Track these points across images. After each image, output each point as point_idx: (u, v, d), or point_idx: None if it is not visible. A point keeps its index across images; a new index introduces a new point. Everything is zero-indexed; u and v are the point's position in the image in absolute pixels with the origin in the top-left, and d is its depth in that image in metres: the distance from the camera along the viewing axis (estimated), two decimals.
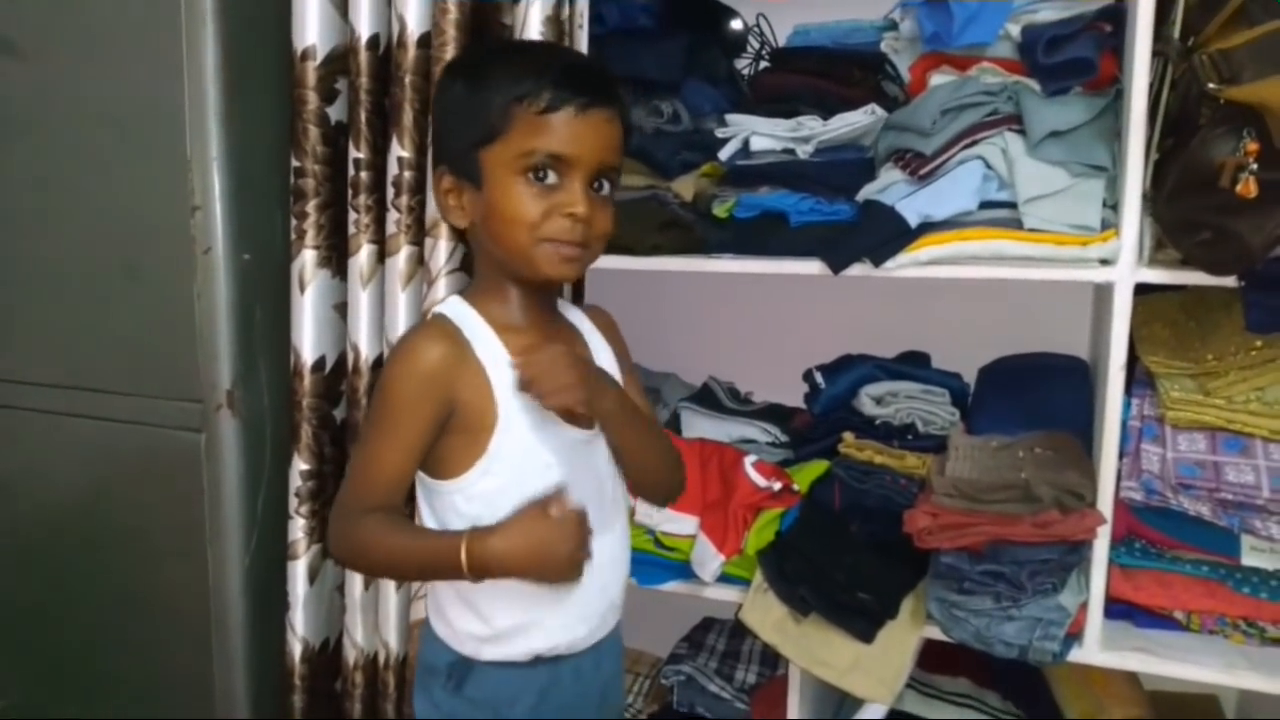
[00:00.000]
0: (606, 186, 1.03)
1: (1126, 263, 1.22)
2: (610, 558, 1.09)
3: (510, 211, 0.98)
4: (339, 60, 1.50)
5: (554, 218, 0.98)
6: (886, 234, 1.32)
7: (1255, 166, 1.09)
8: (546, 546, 0.93)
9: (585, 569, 0.96)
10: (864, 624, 1.33)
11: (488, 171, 0.99)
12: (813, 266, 1.38)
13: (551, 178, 0.98)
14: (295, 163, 1.52)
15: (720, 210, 1.49)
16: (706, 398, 1.77)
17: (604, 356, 1.13)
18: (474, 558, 0.93)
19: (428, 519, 1.06)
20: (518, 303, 1.05)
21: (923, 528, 1.29)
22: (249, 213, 1.56)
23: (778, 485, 1.50)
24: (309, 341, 1.55)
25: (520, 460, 1.01)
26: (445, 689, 1.08)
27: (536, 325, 1.06)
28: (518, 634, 1.05)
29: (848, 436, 1.53)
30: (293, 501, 1.59)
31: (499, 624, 1.05)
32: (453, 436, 1.00)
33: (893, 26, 1.50)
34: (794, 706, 1.45)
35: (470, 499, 1.02)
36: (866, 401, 1.56)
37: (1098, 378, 1.35)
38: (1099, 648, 1.29)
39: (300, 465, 1.58)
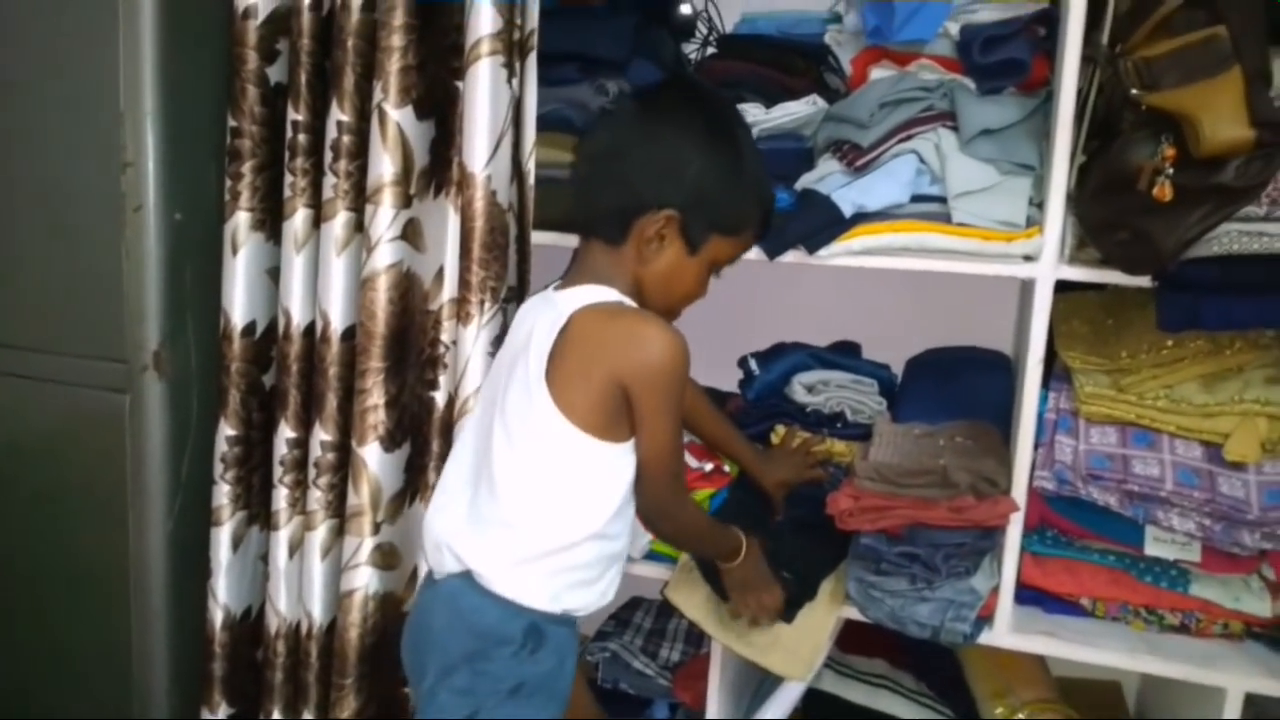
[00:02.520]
0: None
1: (1048, 260, 1.26)
2: None
3: (693, 289, 1.21)
4: (280, 20, 1.47)
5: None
6: (821, 223, 1.34)
7: (1171, 171, 1.13)
8: (761, 589, 1.30)
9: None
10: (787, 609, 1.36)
11: (705, 251, 1.17)
12: (750, 252, 1.39)
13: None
14: (232, 122, 1.50)
15: None
16: None
17: None
18: (750, 555, 1.29)
19: (575, 478, 1.15)
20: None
21: (844, 509, 1.32)
22: (182, 171, 1.53)
23: (709, 466, 1.52)
24: (240, 305, 1.53)
25: None
26: (517, 656, 1.14)
27: None
28: (603, 580, 1.20)
29: (779, 428, 1.56)
30: (218, 467, 1.57)
31: (599, 566, 1.19)
32: (621, 417, 1.14)
33: (837, 19, 1.53)
34: (714, 683, 1.47)
35: (617, 467, 1.16)
36: (798, 389, 1.59)
37: (1018, 370, 1.39)
38: (1009, 631, 1.33)
39: (226, 430, 1.56)
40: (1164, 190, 1.13)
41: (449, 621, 1.18)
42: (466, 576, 1.17)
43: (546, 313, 1.15)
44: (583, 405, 1.11)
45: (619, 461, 1.15)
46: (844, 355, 1.66)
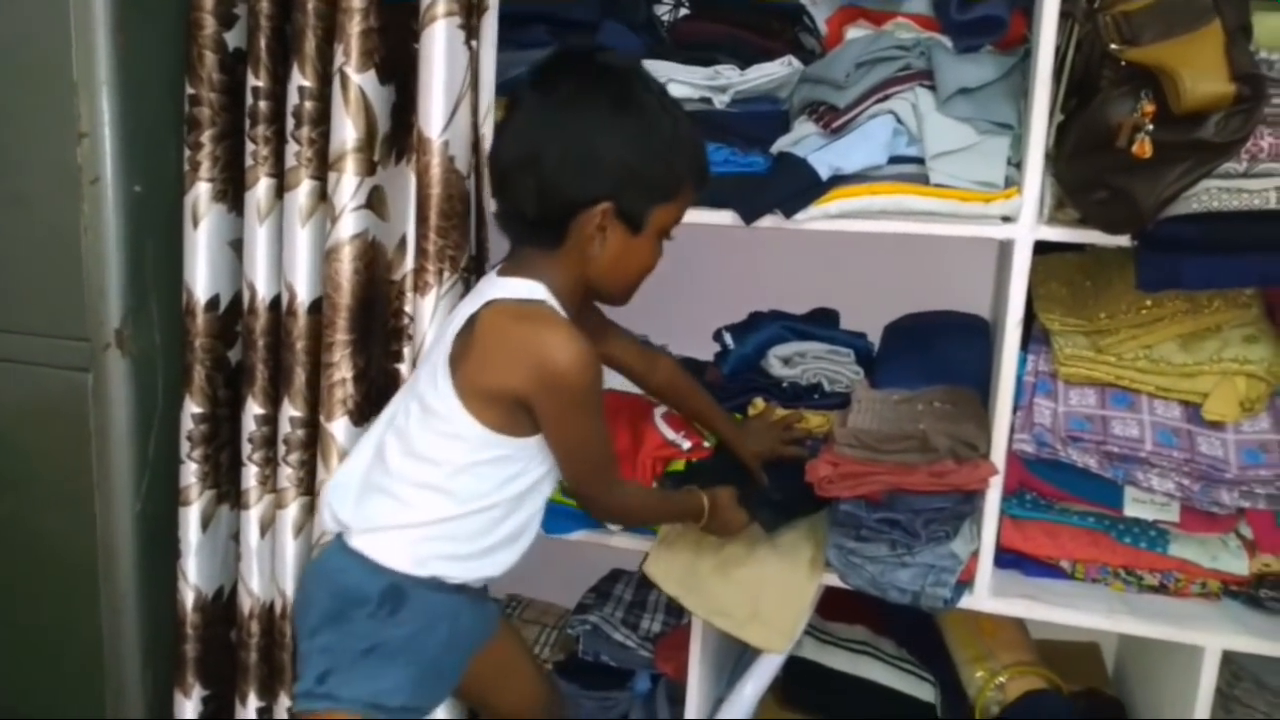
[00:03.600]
0: None
1: (1027, 220, 1.24)
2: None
3: (645, 264, 1.18)
4: None
5: None
6: (798, 186, 1.32)
7: (1151, 128, 1.11)
8: (735, 519, 1.35)
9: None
10: (770, 514, 1.39)
11: (649, 225, 1.13)
12: (725, 217, 1.37)
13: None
14: (190, 90, 1.45)
15: None
16: None
17: None
18: (714, 508, 1.32)
19: (467, 463, 1.13)
20: (574, 304, 1.17)
21: (824, 476, 1.31)
22: (140, 142, 1.48)
23: (687, 444, 1.50)
24: (202, 279, 1.49)
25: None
26: (374, 617, 1.12)
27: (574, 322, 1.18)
28: (483, 556, 1.17)
29: (757, 401, 1.54)
30: (185, 445, 1.54)
31: (480, 543, 1.17)
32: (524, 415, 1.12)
33: None
34: (695, 654, 1.46)
35: (515, 458, 1.14)
36: (774, 363, 1.58)
37: (996, 333, 1.38)
38: (989, 595, 1.33)
39: (193, 408, 1.53)
40: (1143, 147, 1.11)
41: (317, 582, 1.20)
42: (339, 538, 1.19)
43: (474, 298, 1.15)
44: (480, 400, 1.11)
45: (520, 453, 1.15)
46: (820, 324, 1.64)
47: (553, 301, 1.12)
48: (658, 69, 1.45)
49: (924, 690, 1.51)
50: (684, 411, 1.51)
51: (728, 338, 1.64)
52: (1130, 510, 1.29)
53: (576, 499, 1.25)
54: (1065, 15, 1.20)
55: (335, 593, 1.16)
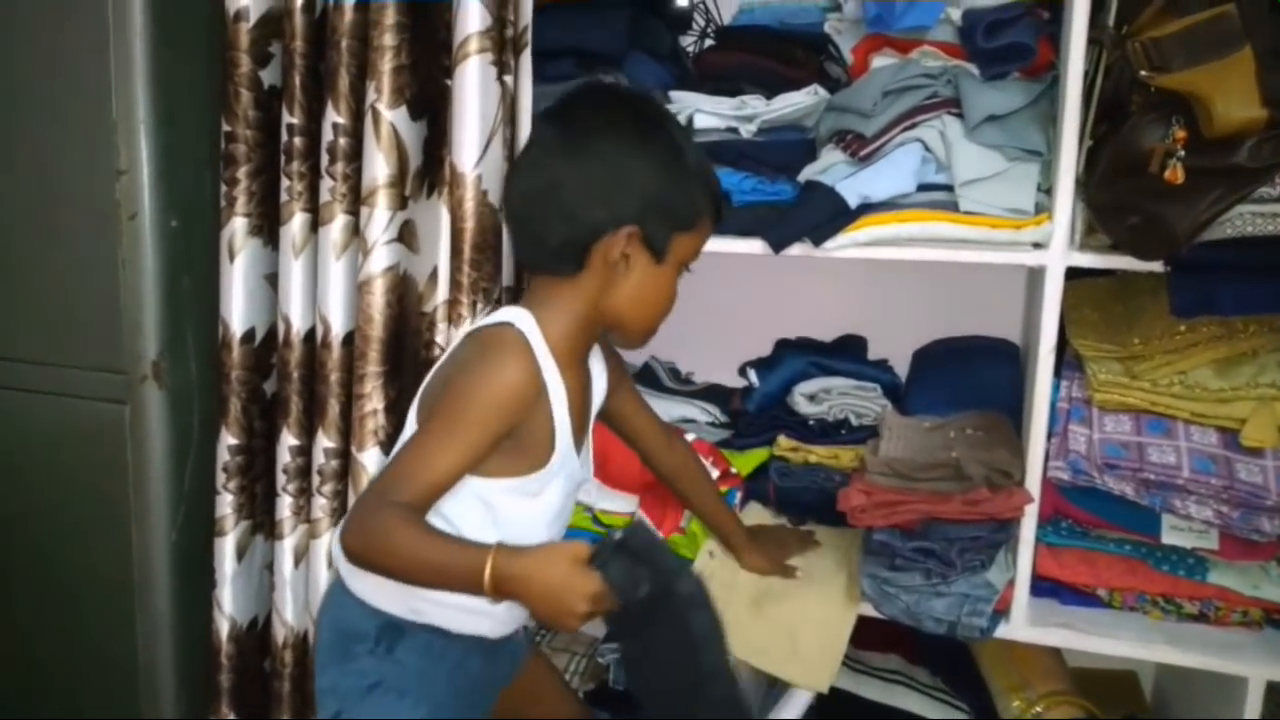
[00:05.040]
0: None
1: (1058, 247, 1.24)
2: None
3: (664, 297, 1.11)
4: (273, 22, 1.45)
5: None
6: (826, 214, 1.32)
7: (1183, 153, 1.11)
8: (563, 590, 0.93)
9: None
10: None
11: (671, 254, 1.09)
12: (754, 246, 1.38)
13: None
14: (226, 127, 1.48)
15: None
16: (648, 377, 1.77)
17: (600, 392, 1.20)
18: (498, 571, 0.93)
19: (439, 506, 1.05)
20: (581, 342, 1.11)
21: (856, 505, 1.31)
22: (177, 178, 1.51)
23: (716, 472, 1.49)
24: (238, 312, 1.51)
25: (545, 489, 1.09)
26: (373, 654, 1.10)
27: (578, 363, 1.13)
28: (471, 613, 1.11)
29: (781, 440, 1.53)
30: (220, 476, 1.55)
31: (462, 599, 1.05)
32: (502, 453, 1.04)
33: (836, 8, 1.51)
34: None
35: (490, 503, 1.07)
36: (800, 400, 1.57)
37: (1028, 359, 1.37)
38: (1025, 623, 1.32)
39: (229, 439, 1.55)
40: (1175, 173, 1.11)
41: (322, 619, 1.19)
42: (339, 576, 1.17)
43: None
44: None
45: (488, 492, 1.06)
46: (845, 357, 1.63)
47: (532, 329, 1.06)
48: (684, 100, 1.46)
49: None
50: (691, 505, 1.41)
51: (752, 375, 1.63)
52: (1168, 538, 1.27)
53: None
54: (1093, 42, 1.20)
55: (338, 630, 1.14)
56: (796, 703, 1.40)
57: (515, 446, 1.05)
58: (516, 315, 1.07)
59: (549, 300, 1.09)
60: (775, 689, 1.51)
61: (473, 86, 1.32)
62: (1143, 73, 1.12)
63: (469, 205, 1.34)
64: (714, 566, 1.40)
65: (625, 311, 1.10)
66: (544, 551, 0.96)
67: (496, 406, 1.00)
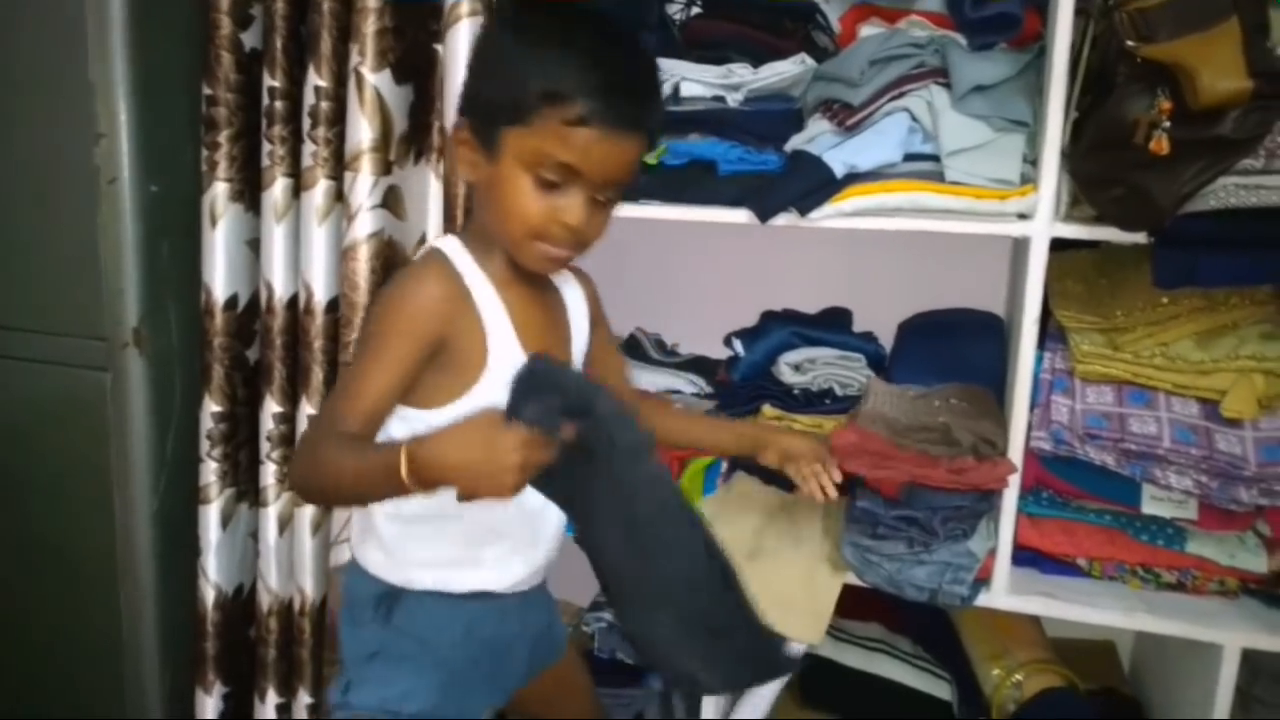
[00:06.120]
0: (613, 193, 1.02)
1: (1043, 218, 1.24)
2: (556, 510, 1.07)
3: (511, 205, 0.98)
4: None
5: (551, 222, 0.98)
6: (813, 184, 1.32)
7: (1168, 124, 1.11)
8: (488, 453, 0.84)
9: (520, 492, 0.87)
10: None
11: (504, 152, 0.97)
12: (740, 215, 1.37)
13: (557, 182, 0.97)
14: (207, 90, 1.46)
15: (649, 156, 1.47)
16: (634, 349, 1.77)
17: (579, 324, 1.16)
18: (414, 461, 0.86)
19: None
20: (508, 262, 1.05)
21: (848, 443, 1.28)
22: (157, 142, 1.49)
23: None
24: (220, 278, 1.50)
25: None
26: (374, 620, 1.09)
27: (524, 282, 1.07)
28: (460, 566, 1.08)
29: (766, 409, 1.53)
30: (204, 444, 1.55)
31: (443, 554, 1.07)
32: (437, 373, 1.00)
33: None
34: None
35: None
36: (785, 369, 1.57)
37: (1012, 331, 1.38)
38: (1006, 592, 1.33)
39: (211, 407, 1.54)
40: (1160, 144, 1.11)
41: (342, 589, 1.17)
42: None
43: None
44: None
45: (418, 427, 0.98)
46: (831, 328, 1.64)
47: (456, 249, 1.03)
48: (670, 68, 1.45)
49: (940, 688, 1.51)
50: (689, 436, 1.32)
51: (738, 344, 1.63)
52: (1148, 508, 1.28)
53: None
54: (1080, 12, 1.20)
55: (349, 599, 1.14)
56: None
57: (449, 362, 1.00)
58: (443, 241, 1.05)
59: (475, 216, 1.07)
60: None
61: (465, 48, 1.31)
62: (1129, 43, 1.11)
63: None
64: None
65: (490, 221, 1.03)
66: (455, 424, 0.88)
67: (410, 317, 0.97)
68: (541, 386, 0.89)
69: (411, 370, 0.97)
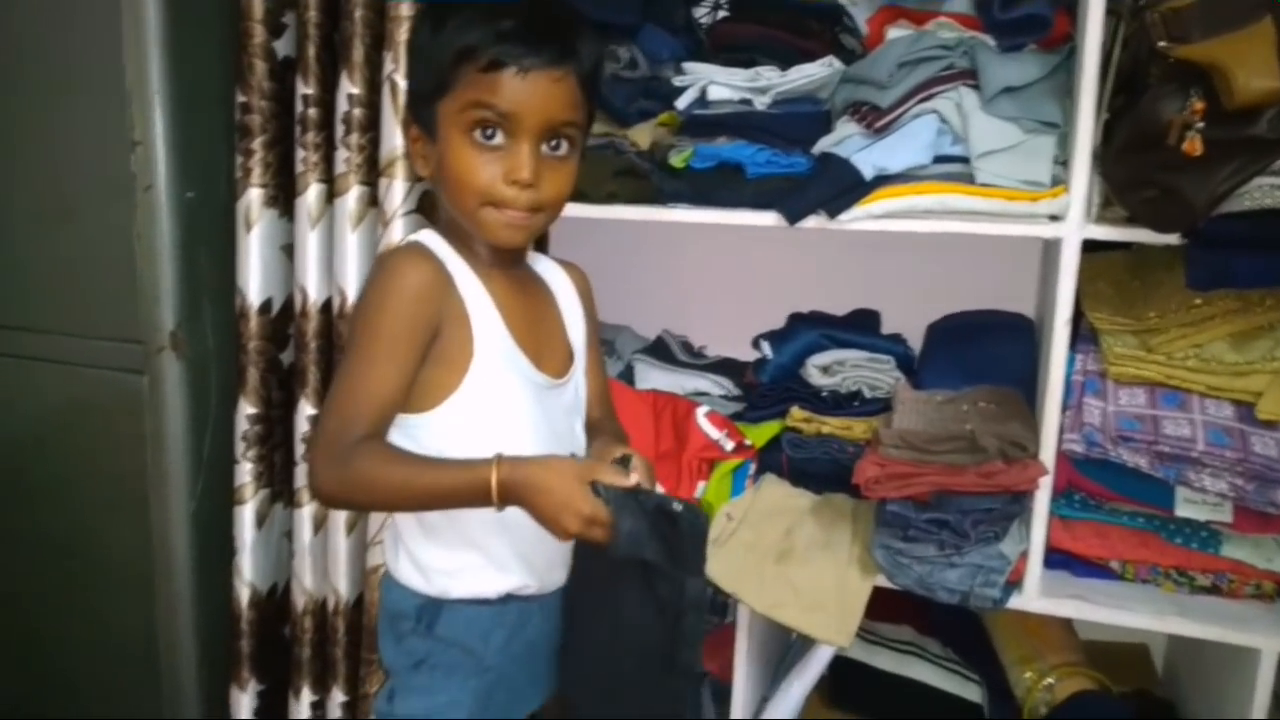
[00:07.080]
0: (565, 145, 1.00)
1: (1075, 219, 1.23)
2: None
3: (456, 172, 0.97)
4: None
5: (501, 183, 0.97)
6: (842, 186, 1.32)
7: (1201, 125, 1.10)
8: (572, 495, 0.90)
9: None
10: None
11: (440, 126, 0.98)
12: (768, 218, 1.37)
13: (499, 138, 0.96)
14: (241, 98, 1.48)
15: (677, 160, 1.47)
16: (660, 350, 1.78)
17: (573, 314, 1.15)
18: (505, 479, 0.91)
19: None
20: (485, 249, 1.04)
21: (870, 478, 1.31)
22: (192, 149, 1.52)
23: (730, 444, 1.50)
24: (255, 283, 1.52)
25: (491, 399, 1.01)
26: (415, 632, 1.08)
27: (505, 271, 1.06)
28: (487, 570, 1.07)
29: (795, 410, 1.53)
30: (239, 446, 1.57)
31: (468, 559, 1.06)
32: (427, 369, 0.98)
33: None
34: (741, 652, 1.47)
35: (436, 434, 1.00)
36: (813, 372, 1.56)
37: (1043, 333, 1.37)
38: (1038, 595, 1.32)
39: (247, 409, 1.56)
40: (1194, 145, 1.10)
41: (379, 601, 1.17)
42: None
43: None
44: None
45: (415, 432, 0.99)
46: (859, 330, 1.63)
47: (433, 238, 1.03)
48: (698, 71, 1.46)
49: (971, 691, 1.50)
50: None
51: (766, 347, 1.63)
52: (1182, 511, 1.27)
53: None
54: (1110, 13, 1.19)
55: (388, 611, 1.13)
56: (810, 669, 1.42)
57: (438, 355, 0.98)
58: (419, 234, 1.05)
59: (441, 211, 1.07)
60: (790, 655, 1.52)
61: None
62: (1161, 43, 1.11)
63: None
64: (733, 528, 1.41)
65: (447, 204, 1.03)
66: (552, 461, 0.94)
67: (404, 304, 0.96)
68: (661, 523, 0.91)
69: (414, 359, 0.96)
